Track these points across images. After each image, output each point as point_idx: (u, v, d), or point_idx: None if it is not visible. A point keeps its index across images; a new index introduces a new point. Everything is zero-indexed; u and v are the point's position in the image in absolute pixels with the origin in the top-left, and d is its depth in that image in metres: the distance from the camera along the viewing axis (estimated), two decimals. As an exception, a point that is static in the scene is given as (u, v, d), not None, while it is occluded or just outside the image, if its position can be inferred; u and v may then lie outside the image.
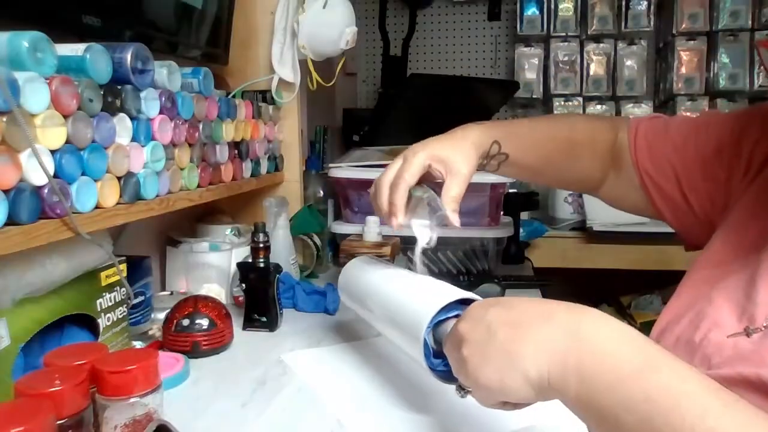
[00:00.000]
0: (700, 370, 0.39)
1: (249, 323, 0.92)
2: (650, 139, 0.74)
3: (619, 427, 0.38)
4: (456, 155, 0.71)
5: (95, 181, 0.63)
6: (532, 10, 2.18)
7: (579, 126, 0.82)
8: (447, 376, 0.55)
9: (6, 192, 0.52)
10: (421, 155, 0.71)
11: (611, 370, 0.39)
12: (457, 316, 0.55)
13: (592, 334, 0.42)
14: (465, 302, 0.56)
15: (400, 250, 1.17)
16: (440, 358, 0.55)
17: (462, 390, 0.50)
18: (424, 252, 0.69)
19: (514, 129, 0.81)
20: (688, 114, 2.08)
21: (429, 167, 0.71)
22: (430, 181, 0.73)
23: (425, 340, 0.56)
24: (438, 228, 0.69)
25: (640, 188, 0.75)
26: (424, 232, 0.69)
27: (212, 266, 1.05)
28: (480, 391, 0.47)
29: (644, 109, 2.19)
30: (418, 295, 0.61)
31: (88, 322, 0.70)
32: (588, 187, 0.85)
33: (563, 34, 2.17)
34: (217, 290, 1.04)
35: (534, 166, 0.81)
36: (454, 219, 0.69)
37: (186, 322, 0.81)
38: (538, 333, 0.43)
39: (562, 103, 2.21)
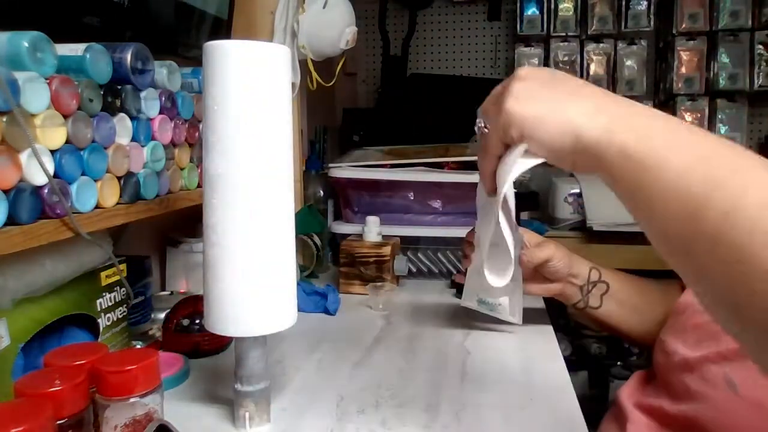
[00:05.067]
0: None
1: (249, 323, 0.92)
2: None
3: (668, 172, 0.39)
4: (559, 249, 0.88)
5: (95, 181, 0.63)
6: (532, 10, 2.18)
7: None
8: None
9: (6, 192, 0.52)
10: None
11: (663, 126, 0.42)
12: None
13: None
14: None
15: (399, 250, 1.17)
16: None
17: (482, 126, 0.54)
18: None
19: (615, 272, 0.87)
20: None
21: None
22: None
23: None
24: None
25: None
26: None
27: (212, 266, 1.05)
28: (509, 118, 0.48)
29: (644, 109, 2.19)
30: None
31: (88, 322, 0.70)
32: None
33: (563, 34, 2.17)
34: (217, 290, 1.04)
35: (637, 304, 0.85)
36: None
37: (186, 322, 0.81)
38: (603, 97, 0.46)
39: (562, 103, 2.21)
